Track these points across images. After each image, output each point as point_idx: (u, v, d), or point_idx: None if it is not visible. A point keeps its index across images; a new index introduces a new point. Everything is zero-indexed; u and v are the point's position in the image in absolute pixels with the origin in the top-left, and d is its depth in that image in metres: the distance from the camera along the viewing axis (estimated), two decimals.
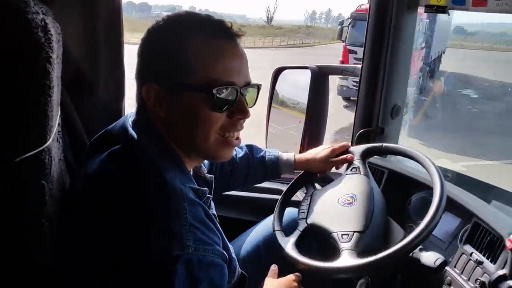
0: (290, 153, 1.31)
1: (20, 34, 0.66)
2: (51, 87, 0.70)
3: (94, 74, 1.20)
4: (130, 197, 0.76)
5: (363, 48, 1.48)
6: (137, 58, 0.87)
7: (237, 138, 0.91)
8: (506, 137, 6.15)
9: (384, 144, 1.25)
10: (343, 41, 9.16)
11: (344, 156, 1.24)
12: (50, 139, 0.72)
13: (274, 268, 1.09)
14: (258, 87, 0.91)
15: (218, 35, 0.83)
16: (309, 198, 1.19)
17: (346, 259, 0.97)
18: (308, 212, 1.15)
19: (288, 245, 1.09)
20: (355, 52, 8.12)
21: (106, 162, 0.82)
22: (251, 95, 0.90)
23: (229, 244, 0.93)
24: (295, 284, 1.04)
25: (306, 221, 1.12)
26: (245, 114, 0.86)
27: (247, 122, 0.90)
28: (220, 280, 0.79)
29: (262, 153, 1.31)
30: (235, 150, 1.26)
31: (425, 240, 0.96)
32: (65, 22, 1.08)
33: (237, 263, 0.97)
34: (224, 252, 0.81)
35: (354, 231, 1.03)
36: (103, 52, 1.20)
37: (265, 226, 1.29)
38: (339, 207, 1.12)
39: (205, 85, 0.80)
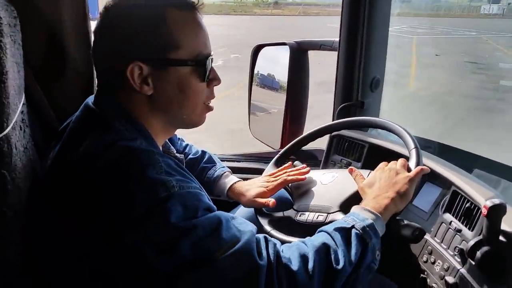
0: (234, 179, 1.24)
1: None
2: (4, 73, 0.67)
3: (63, 57, 1.16)
4: (101, 167, 0.74)
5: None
6: (103, 38, 0.84)
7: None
8: None
9: (296, 140, 1.28)
10: None
11: (266, 200, 1.13)
12: (9, 128, 0.69)
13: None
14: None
15: (188, 8, 0.84)
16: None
17: None
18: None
19: None
20: None
21: (69, 141, 0.82)
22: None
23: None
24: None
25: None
26: (219, 80, 0.91)
27: None
28: (214, 208, 0.78)
29: (208, 165, 1.27)
30: (190, 148, 1.30)
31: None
32: (28, 6, 1.04)
33: None
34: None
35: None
36: (70, 34, 1.16)
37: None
38: (330, 184, 1.11)
39: (193, 58, 0.83)
